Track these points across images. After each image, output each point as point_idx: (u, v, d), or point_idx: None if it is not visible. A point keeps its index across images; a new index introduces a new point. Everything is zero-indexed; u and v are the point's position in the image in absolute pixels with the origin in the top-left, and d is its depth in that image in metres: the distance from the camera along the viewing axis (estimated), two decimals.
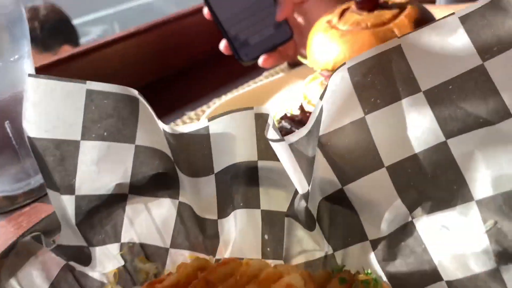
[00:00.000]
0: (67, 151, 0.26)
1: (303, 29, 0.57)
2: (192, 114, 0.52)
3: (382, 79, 0.24)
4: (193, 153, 0.26)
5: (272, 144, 0.22)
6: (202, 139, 0.25)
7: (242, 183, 0.27)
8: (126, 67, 0.57)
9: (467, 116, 0.22)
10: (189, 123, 0.50)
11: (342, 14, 0.45)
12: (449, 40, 0.23)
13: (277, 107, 0.47)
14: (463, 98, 0.22)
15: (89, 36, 3.48)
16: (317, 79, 0.48)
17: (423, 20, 0.41)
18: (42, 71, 0.52)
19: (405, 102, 0.23)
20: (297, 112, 0.42)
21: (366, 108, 0.24)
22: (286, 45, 0.57)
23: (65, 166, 0.26)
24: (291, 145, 0.21)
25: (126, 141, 0.27)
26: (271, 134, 0.22)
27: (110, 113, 0.26)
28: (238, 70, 0.59)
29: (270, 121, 0.23)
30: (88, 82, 0.26)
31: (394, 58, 0.24)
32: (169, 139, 0.26)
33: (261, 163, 0.26)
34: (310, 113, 0.41)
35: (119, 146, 0.27)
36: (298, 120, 0.40)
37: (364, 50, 0.40)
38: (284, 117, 0.41)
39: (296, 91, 0.51)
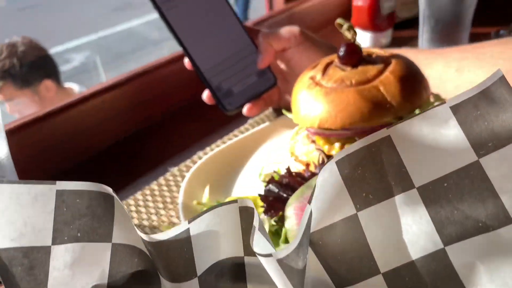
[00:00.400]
0: (36, 258, 0.24)
1: (286, 75, 0.57)
2: (175, 170, 0.50)
3: (373, 172, 0.22)
4: (173, 260, 0.24)
5: (259, 257, 0.20)
6: (182, 244, 0.24)
7: (229, 281, 0.25)
8: (104, 121, 0.56)
9: (465, 219, 0.20)
10: (172, 182, 0.49)
11: (325, 68, 0.44)
12: (441, 131, 0.22)
13: (261, 164, 0.46)
14: (460, 198, 0.21)
15: (71, 64, 3.46)
16: (303, 132, 0.47)
17: (409, 75, 0.41)
18: (19, 130, 0.50)
19: (398, 199, 0.22)
20: (284, 173, 0.40)
21: (358, 204, 0.22)
22: (270, 91, 0.56)
23: (34, 275, 0.24)
24: (279, 261, 0.20)
25: (102, 240, 0.25)
26: (257, 245, 0.20)
27: (83, 212, 0.24)
28: (222, 119, 0.58)
29: (255, 223, 0.22)
30: (58, 182, 0.24)
31: (384, 150, 0.22)
32: (147, 247, 0.24)
33: (247, 259, 0.25)
34: (297, 174, 0.39)
35: (94, 246, 0.25)
36: (285, 184, 0.38)
37: (350, 109, 0.39)
38: (271, 181, 0.39)
39: (282, 144, 0.50)
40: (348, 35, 0.43)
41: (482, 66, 0.46)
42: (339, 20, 0.43)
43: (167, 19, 0.50)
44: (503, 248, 0.20)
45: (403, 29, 0.82)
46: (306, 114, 0.42)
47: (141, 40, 3.74)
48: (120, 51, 3.64)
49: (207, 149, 0.53)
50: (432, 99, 0.45)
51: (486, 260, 0.20)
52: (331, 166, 0.22)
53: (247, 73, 0.54)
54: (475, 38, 0.60)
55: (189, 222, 0.23)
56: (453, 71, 0.48)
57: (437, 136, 0.22)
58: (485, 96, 0.21)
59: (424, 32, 0.71)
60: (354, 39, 0.43)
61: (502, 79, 0.21)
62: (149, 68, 0.59)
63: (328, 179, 0.22)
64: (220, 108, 0.52)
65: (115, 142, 0.57)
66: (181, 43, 0.50)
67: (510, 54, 0.45)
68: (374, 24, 0.75)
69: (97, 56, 3.51)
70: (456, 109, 0.22)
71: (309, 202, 0.22)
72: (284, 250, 0.19)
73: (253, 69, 0.54)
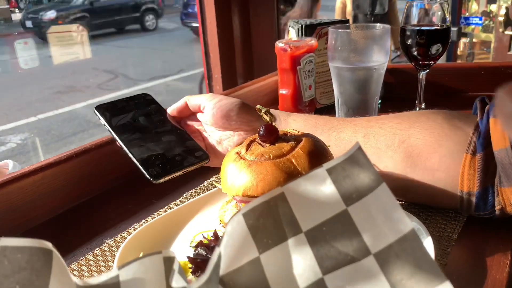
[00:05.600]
0: None
1: (216, 150, 0.64)
2: (111, 242, 0.53)
3: (271, 222, 0.28)
4: None
5: None
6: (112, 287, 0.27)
7: None
8: (43, 197, 0.58)
9: (338, 254, 0.26)
10: (108, 252, 0.51)
11: (249, 145, 0.51)
12: (320, 188, 0.29)
13: (193, 232, 0.50)
14: (334, 238, 0.27)
15: (6, 146, 3.34)
16: (232, 201, 0.53)
17: (316, 150, 0.49)
18: None
19: (290, 241, 0.28)
20: (212, 238, 0.45)
21: (260, 248, 0.28)
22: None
23: None
24: None
25: None
26: (175, 281, 0.25)
27: (23, 266, 0.27)
28: (158, 194, 0.62)
29: (175, 266, 0.26)
30: (2, 238, 0.27)
31: (280, 203, 0.29)
32: None
33: None
34: None
35: None
36: (213, 247, 0.43)
37: (268, 179, 0.46)
38: (200, 244, 0.43)
39: (212, 214, 0.55)
40: (266, 118, 0.51)
41: (384, 134, 0.55)
42: (258, 106, 0.51)
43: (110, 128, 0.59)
44: (365, 274, 0.26)
45: (323, 114, 0.94)
46: (232, 184, 0.48)
47: (83, 122, 3.75)
48: (61, 133, 3.60)
49: (143, 221, 0.56)
50: None
51: (353, 283, 0.26)
52: (238, 217, 0.28)
53: (176, 149, 0.60)
54: None
55: (119, 269, 0.27)
56: (360, 136, 0.56)
57: (317, 191, 0.29)
58: (350, 161, 0.29)
59: (340, 116, 0.83)
60: (272, 121, 0.51)
61: (360, 148, 0.29)
62: (90, 147, 0.63)
63: (236, 228, 0.28)
64: (147, 177, 0.56)
65: (54, 216, 0.59)
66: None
67: (405, 126, 0.55)
68: (298, 109, 0.86)
69: (36, 138, 3.44)
70: (330, 171, 0.29)
71: (219, 245, 0.27)
72: (195, 283, 0.24)
73: (182, 143, 0.61)
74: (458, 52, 4.48)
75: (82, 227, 0.58)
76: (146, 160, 0.57)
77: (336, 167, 0.29)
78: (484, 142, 0.48)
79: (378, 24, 0.78)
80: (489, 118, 0.49)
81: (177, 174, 0.57)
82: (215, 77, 1.19)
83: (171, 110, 0.65)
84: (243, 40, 1.23)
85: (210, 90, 1.23)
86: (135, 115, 0.63)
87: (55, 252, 0.28)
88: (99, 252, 0.51)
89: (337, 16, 3.56)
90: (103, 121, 0.60)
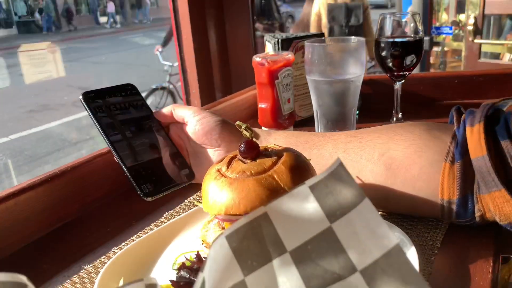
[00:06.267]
0: None
1: (197, 165, 0.63)
2: (90, 267, 0.51)
3: (255, 243, 0.28)
4: None
5: None
6: None
7: None
8: (16, 224, 0.56)
9: (325, 273, 0.26)
10: (87, 279, 0.49)
11: (230, 162, 0.50)
12: (303, 206, 0.28)
13: (175, 254, 0.49)
14: (320, 257, 0.26)
15: None
16: (214, 220, 0.52)
17: (297, 165, 0.48)
18: None
19: (275, 262, 0.27)
20: (195, 259, 0.44)
21: (245, 270, 0.27)
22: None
23: None
24: None
25: None
26: None
27: None
28: (137, 215, 0.61)
29: None
30: None
31: (263, 223, 0.28)
32: None
33: None
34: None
35: None
36: (196, 269, 0.42)
37: (250, 196, 0.46)
38: (182, 267, 0.42)
39: (194, 234, 0.54)
40: (247, 133, 0.50)
41: (363, 148, 0.56)
42: (238, 123, 0.51)
43: (98, 124, 0.56)
44: None
45: (303, 126, 0.94)
46: (214, 203, 0.47)
47: (58, 141, 3.67)
48: (35, 153, 3.51)
49: (123, 244, 0.55)
50: None
51: None
52: (222, 240, 0.27)
53: (166, 165, 0.59)
54: None
55: None
56: (341, 151, 0.57)
57: (301, 209, 0.28)
58: (332, 177, 0.28)
59: (319, 129, 0.83)
60: (252, 137, 0.51)
61: (342, 164, 0.29)
62: (65, 169, 0.61)
63: (219, 252, 0.27)
64: (139, 193, 0.55)
65: (29, 242, 0.57)
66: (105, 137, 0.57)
67: (384, 139, 0.55)
68: (277, 123, 0.86)
69: (9, 160, 3.34)
70: (313, 188, 0.28)
71: (202, 270, 0.26)
72: None
73: (172, 163, 0.60)
74: (431, 61, 4.62)
75: (59, 253, 0.56)
76: (139, 175, 0.56)
77: (319, 183, 0.28)
78: (462, 150, 0.49)
79: (353, 37, 0.80)
80: (465, 127, 0.50)
81: (166, 192, 0.57)
82: (192, 92, 1.19)
83: (157, 115, 0.64)
84: (220, 54, 1.24)
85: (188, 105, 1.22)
86: (124, 111, 0.61)
87: (30, 286, 0.27)
88: (78, 279, 0.49)
89: (312, 28, 3.62)
90: (90, 114, 0.57)
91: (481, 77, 1.09)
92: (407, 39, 0.85)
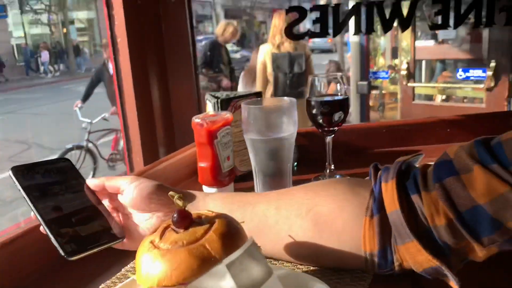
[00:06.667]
0: None
1: (133, 232, 0.64)
2: None
3: None
4: None
5: None
6: None
7: None
8: None
9: None
10: None
11: (163, 232, 0.52)
12: (221, 284, 0.31)
13: None
14: None
15: None
16: None
17: (228, 232, 0.50)
18: None
19: None
20: None
21: None
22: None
23: None
24: None
25: None
26: None
27: None
28: (73, 286, 0.59)
29: None
30: None
31: None
32: None
33: None
34: None
35: None
36: None
37: (182, 267, 0.47)
38: None
39: None
40: (180, 203, 0.52)
41: (293, 204, 0.59)
42: (171, 193, 0.53)
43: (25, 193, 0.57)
44: None
45: (243, 182, 0.98)
46: (146, 275, 0.48)
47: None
48: None
49: None
50: None
51: None
52: None
53: (93, 225, 0.60)
54: (299, 183, 0.73)
55: None
56: (273, 208, 0.60)
57: (219, 287, 0.30)
58: (246, 255, 0.31)
59: (258, 183, 0.87)
60: (185, 206, 0.53)
61: (254, 242, 0.32)
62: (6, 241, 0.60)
63: None
64: (62, 254, 0.55)
65: None
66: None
67: (311, 195, 0.60)
68: (218, 180, 0.89)
69: None
70: (229, 266, 0.31)
71: None
72: None
73: (98, 222, 0.60)
74: (371, 103, 4.91)
75: None
76: (61, 235, 0.55)
77: (235, 261, 0.31)
78: (379, 205, 0.54)
79: (285, 98, 0.85)
80: (381, 183, 0.55)
81: (92, 251, 0.57)
82: (135, 149, 1.19)
83: (90, 184, 0.65)
84: (163, 110, 1.26)
85: (130, 162, 1.22)
86: (53, 182, 0.61)
87: None
88: None
89: (258, 76, 3.75)
90: (18, 186, 0.58)
91: (407, 126, 1.19)
92: (335, 97, 0.93)
